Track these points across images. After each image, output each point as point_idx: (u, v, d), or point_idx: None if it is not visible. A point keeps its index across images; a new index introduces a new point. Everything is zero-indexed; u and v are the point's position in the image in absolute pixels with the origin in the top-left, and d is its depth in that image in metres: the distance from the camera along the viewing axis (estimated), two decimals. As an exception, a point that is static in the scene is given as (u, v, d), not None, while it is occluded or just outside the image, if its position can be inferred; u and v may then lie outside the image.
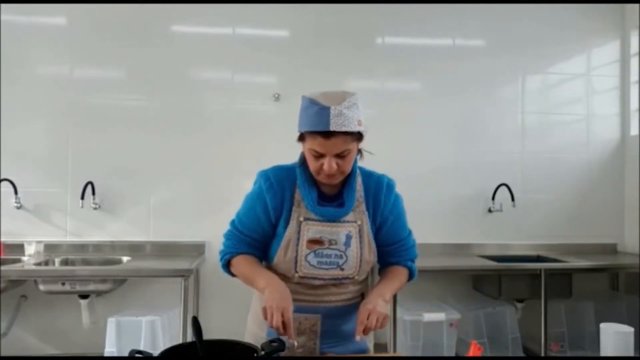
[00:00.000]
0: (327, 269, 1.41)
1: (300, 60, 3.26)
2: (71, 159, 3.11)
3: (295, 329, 1.37)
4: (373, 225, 1.47)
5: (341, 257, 1.41)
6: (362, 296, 1.52)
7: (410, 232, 1.55)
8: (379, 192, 1.47)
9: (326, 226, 1.41)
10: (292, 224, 1.41)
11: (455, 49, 3.43)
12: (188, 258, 2.95)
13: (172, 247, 3.12)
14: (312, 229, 1.41)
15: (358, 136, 1.36)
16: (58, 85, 3.11)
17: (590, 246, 3.45)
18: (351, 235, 1.42)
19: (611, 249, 3.49)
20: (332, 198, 1.45)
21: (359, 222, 1.43)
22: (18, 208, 3.02)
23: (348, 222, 1.42)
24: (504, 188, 3.33)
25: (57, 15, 3.13)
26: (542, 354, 2.90)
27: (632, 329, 1.24)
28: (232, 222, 1.52)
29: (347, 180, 1.44)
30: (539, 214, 3.45)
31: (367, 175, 1.50)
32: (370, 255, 1.45)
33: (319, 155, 1.33)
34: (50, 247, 3.02)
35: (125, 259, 2.96)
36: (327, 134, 1.28)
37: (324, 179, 1.38)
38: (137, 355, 1.06)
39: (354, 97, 1.32)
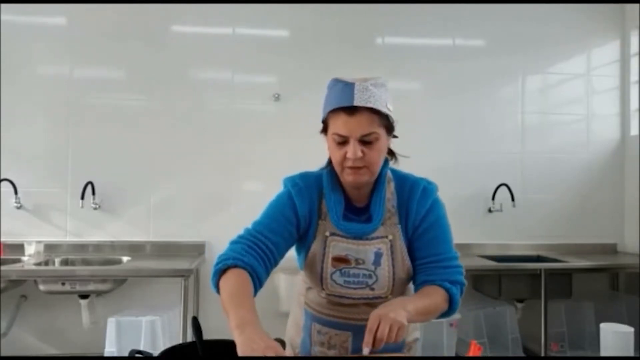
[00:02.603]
0: (355, 289, 1.27)
1: (300, 60, 3.26)
2: (71, 159, 3.11)
3: (326, 342, 1.33)
4: (406, 237, 1.29)
5: (370, 276, 1.27)
6: None
7: (457, 256, 1.30)
8: (412, 197, 1.29)
9: (352, 244, 1.27)
10: (319, 238, 1.28)
11: (455, 49, 3.43)
12: (188, 258, 2.95)
13: (172, 247, 3.12)
14: (339, 246, 1.27)
15: (387, 125, 1.23)
16: (58, 85, 3.11)
17: (590, 246, 3.45)
18: (381, 253, 1.27)
19: (611, 249, 3.49)
20: (359, 211, 1.30)
21: (390, 237, 1.27)
22: (18, 208, 3.02)
23: (377, 238, 1.27)
24: (504, 188, 3.33)
25: (57, 15, 3.13)
26: (542, 354, 2.90)
27: (632, 329, 1.24)
28: (247, 229, 1.29)
29: (375, 187, 1.29)
30: (539, 214, 3.45)
31: (402, 180, 1.33)
32: (404, 273, 1.29)
33: (342, 141, 1.19)
34: (50, 247, 3.02)
35: (125, 259, 2.95)
36: (351, 110, 1.16)
37: (350, 175, 1.21)
38: (137, 355, 1.06)
39: (381, 79, 1.22)
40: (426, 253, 1.28)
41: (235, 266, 1.18)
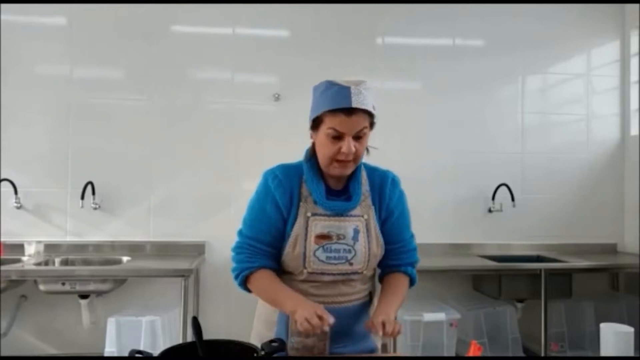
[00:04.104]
0: (336, 264, 1.40)
1: (300, 60, 3.26)
2: (71, 159, 3.11)
3: (304, 330, 1.38)
4: (379, 219, 1.47)
5: (350, 251, 1.40)
6: (370, 295, 1.52)
7: (412, 236, 1.54)
8: (384, 186, 1.48)
9: (334, 221, 1.41)
10: (300, 219, 1.41)
11: (455, 49, 3.43)
12: (188, 258, 2.95)
13: (172, 247, 3.12)
14: (320, 224, 1.40)
15: (372, 122, 1.38)
16: (58, 85, 3.11)
17: (590, 246, 3.45)
18: (359, 230, 1.41)
19: (611, 249, 3.49)
20: (338, 193, 1.45)
21: (365, 217, 1.43)
22: (18, 208, 3.02)
23: (355, 216, 1.42)
24: (504, 188, 3.33)
25: (56, 15, 3.13)
26: (542, 354, 2.90)
27: (632, 329, 1.24)
28: (240, 233, 1.47)
29: (353, 174, 1.45)
30: (539, 214, 3.45)
31: (372, 170, 1.51)
32: (378, 249, 1.45)
33: (338, 137, 1.34)
34: (50, 247, 3.02)
35: (125, 259, 2.95)
36: (349, 112, 1.31)
37: (337, 168, 1.38)
38: (137, 355, 1.06)
39: (367, 83, 1.37)
40: (394, 239, 1.49)
41: (251, 273, 1.41)
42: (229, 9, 3.22)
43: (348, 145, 1.32)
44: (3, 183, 2.97)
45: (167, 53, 3.18)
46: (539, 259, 3.32)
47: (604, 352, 1.26)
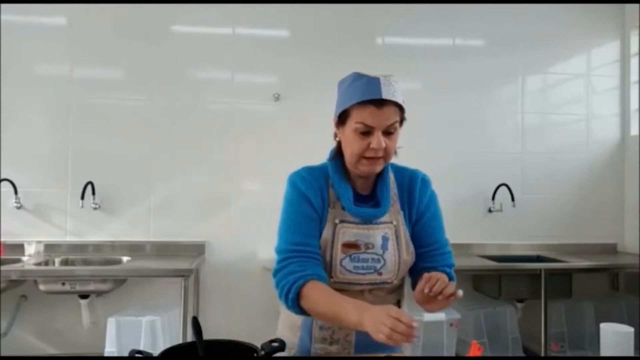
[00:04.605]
0: (364, 274, 1.30)
1: (300, 60, 3.26)
2: (71, 159, 3.11)
3: (329, 338, 1.33)
4: (409, 224, 1.37)
5: (379, 260, 1.31)
6: (398, 303, 1.42)
7: (448, 241, 1.41)
8: (414, 187, 1.39)
9: (362, 229, 1.31)
10: (328, 225, 1.31)
11: (455, 49, 3.43)
12: (188, 258, 2.95)
13: (172, 247, 3.12)
14: (348, 232, 1.31)
15: (402, 118, 1.30)
16: (58, 85, 3.10)
17: (590, 246, 3.45)
18: (388, 237, 1.32)
19: (611, 249, 3.49)
20: (365, 198, 1.36)
21: (394, 223, 1.34)
22: (18, 208, 3.02)
23: (384, 223, 1.33)
24: (504, 188, 3.33)
25: (57, 15, 3.13)
26: (542, 354, 2.90)
27: (632, 329, 1.24)
28: (280, 245, 1.30)
29: (380, 176, 1.36)
30: (539, 214, 3.45)
31: (399, 171, 1.42)
32: (409, 256, 1.34)
33: (367, 132, 1.24)
34: (50, 247, 3.02)
35: (125, 259, 2.95)
36: (379, 103, 1.22)
37: (366, 165, 1.28)
38: (137, 355, 1.06)
39: (396, 77, 1.29)
40: (427, 241, 1.37)
41: (305, 283, 1.21)
42: (229, 9, 3.22)
43: (378, 140, 1.23)
44: (3, 183, 2.97)
45: (167, 53, 3.18)
46: (539, 259, 3.32)
47: (604, 352, 1.25)
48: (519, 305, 3.16)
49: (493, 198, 3.38)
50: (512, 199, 3.29)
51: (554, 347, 3.09)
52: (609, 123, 3.54)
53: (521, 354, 3.12)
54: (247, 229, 3.14)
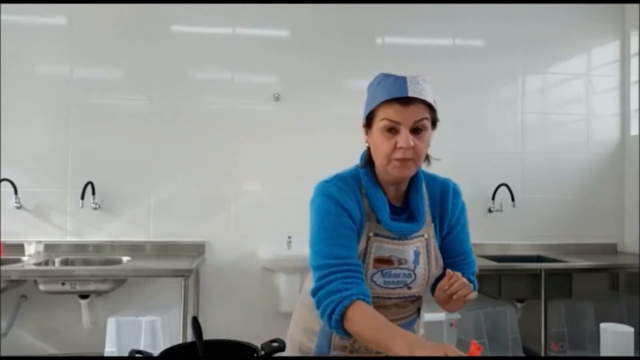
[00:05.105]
0: (393, 289, 1.27)
1: (300, 60, 3.26)
2: (71, 159, 3.12)
3: (349, 346, 1.31)
4: (439, 236, 1.33)
5: (410, 275, 1.27)
6: (418, 311, 1.41)
7: (472, 249, 1.39)
8: (446, 198, 1.34)
9: (397, 244, 1.25)
10: (362, 239, 1.24)
11: (455, 49, 3.43)
12: (188, 258, 2.95)
13: (172, 247, 3.12)
14: (382, 247, 1.25)
15: (433, 119, 1.24)
16: (58, 85, 3.11)
17: (590, 246, 3.45)
18: (419, 252, 1.28)
19: (611, 249, 3.49)
20: (398, 210, 1.29)
21: (426, 236, 1.29)
22: (18, 208, 3.02)
23: (416, 237, 1.28)
24: (504, 188, 3.33)
25: (57, 15, 3.13)
26: (542, 354, 2.90)
27: (632, 329, 1.24)
28: (319, 265, 1.18)
29: (412, 186, 1.30)
30: (539, 214, 3.45)
31: (430, 180, 1.36)
32: (437, 270, 1.31)
33: (393, 129, 1.18)
34: (50, 247, 3.02)
35: (125, 259, 2.95)
36: (405, 101, 1.16)
37: (397, 168, 1.19)
38: (137, 355, 1.06)
39: (427, 76, 1.25)
40: (456, 252, 1.34)
41: (351, 304, 1.11)
42: (229, 9, 3.22)
43: (405, 137, 1.16)
44: (3, 183, 2.97)
45: (167, 53, 3.18)
46: (539, 259, 3.32)
47: (604, 352, 1.25)
48: (519, 305, 3.16)
49: (493, 198, 3.38)
50: (512, 199, 3.29)
51: (554, 347, 3.09)
52: (609, 123, 3.54)
53: (521, 354, 3.12)
54: (247, 229, 3.14)
